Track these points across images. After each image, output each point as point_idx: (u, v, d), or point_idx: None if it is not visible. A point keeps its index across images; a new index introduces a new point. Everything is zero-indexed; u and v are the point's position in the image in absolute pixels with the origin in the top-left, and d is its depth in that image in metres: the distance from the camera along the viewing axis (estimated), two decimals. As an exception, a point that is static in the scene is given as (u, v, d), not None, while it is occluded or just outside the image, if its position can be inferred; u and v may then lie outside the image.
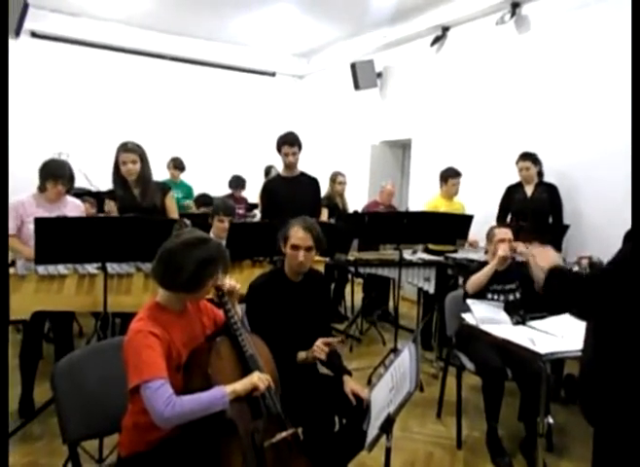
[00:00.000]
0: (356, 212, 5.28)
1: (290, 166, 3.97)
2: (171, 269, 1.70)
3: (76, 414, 1.75)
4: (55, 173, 3.10)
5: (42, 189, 3.13)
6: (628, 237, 1.49)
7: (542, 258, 1.67)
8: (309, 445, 1.92)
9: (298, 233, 2.31)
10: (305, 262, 2.32)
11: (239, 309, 1.99)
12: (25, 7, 5.63)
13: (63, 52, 7.09)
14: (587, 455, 2.87)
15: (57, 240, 2.71)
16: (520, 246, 3.11)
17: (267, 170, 6.47)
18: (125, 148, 3.34)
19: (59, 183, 3.11)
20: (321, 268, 3.55)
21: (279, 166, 4.45)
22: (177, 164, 6.11)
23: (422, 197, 5.45)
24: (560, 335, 2.37)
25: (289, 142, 3.89)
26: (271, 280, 2.40)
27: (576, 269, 3.52)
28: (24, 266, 2.94)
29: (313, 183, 4.09)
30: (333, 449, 2.15)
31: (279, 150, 3.94)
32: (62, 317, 3.19)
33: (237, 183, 6.35)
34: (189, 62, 7.96)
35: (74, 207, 3.30)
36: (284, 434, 1.74)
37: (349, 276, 5.39)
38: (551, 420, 2.30)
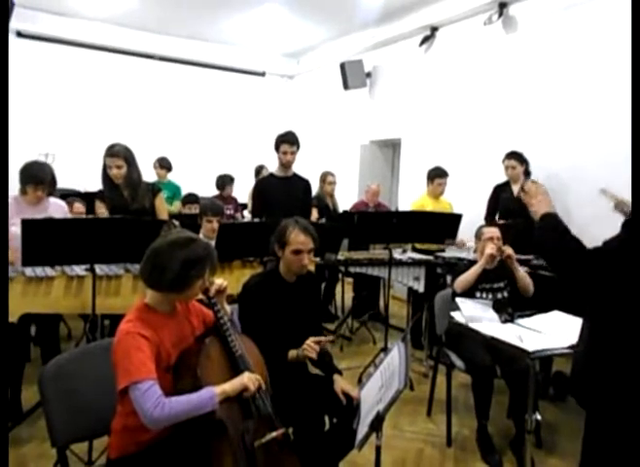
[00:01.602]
0: (346, 212, 5.29)
1: (286, 165, 3.98)
2: (157, 268, 1.69)
3: (64, 417, 1.74)
4: (36, 178, 3.02)
5: (23, 191, 3.08)
6: (626, 225, 1.51)
7: (538, 203, 1.67)
8: (300, 444, 1.92)
9: (299, 238, 2.28)
10: (310, 264, 2.34)
11: (228, 308, 1.98)
12: (11, 6, 5.57)
13: (50, 51, 7.03)
14: (575, 452, 2.90)
15: (45, 242, 2.68)
16: (508, 250, 3.13)
17: (258, 170, 6.45)
18: (111, 152, 3.30)
19: (40, 188, 3.04)
20: (312, 267, 3.56)
21: (270, 167, 4.45)
22: (163, 164, 6.07)
23: (412, 196, 5.46)
24: (548, 332, 2.39)
25: (289, 141, 3.92)
26: (266, 281, 2.39)
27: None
28: (11, 267, 2.91)
29: (305, 184, 4.12)
30: (323, 449, 2.15)
31: (277, 148, 3.95)
32: (48, 320, 3.16)
33: (224, 182, 6.32)
34: (178, 62, 7.93)
35: (57, 208, 3.24)
36: (274, 434, 1.74)
37: (339, 276, 5.40)
38: (539, 417, 2.32)
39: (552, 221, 1.63)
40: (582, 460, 1.64)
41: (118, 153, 3.29)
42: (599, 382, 1.51)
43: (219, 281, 1.89)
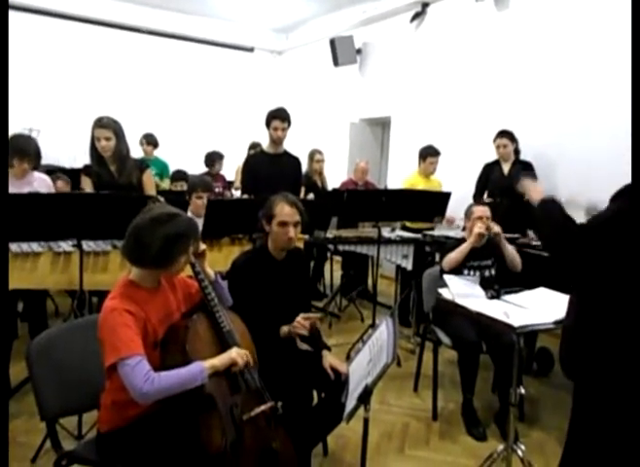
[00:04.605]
0: (335, 190, 5.27)
1: (277, 142, 3.95)
2: (139, 245, 1.68)
3: (53, 391, 1.74)
4: (22, 150, 3.01)
5: (9, 164, 3.04)
6: (615, 199, 1.54)
7: (535, 192, 1.81)
8: (288, 418, 1.95)
9: (284, 210, 2.28)
10: (295, 237, 2.32)
11: (211, 272, 1.97)
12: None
13: (33, 23, 6.83)
14: (557, 425, 2.98)
15: (30, 217, 2.65)
16: (496, 227, 3.15)
17: (253, 147, 6.34)
18: (100, 124, 3.24)
19: (25, 160, 3.02)
20: (300, 245, 3.56)
21: (264, 144, 4.40)
22: (150, 140, 5.97)
23: (401, 174, 5.45)
24: (534, 308, 2.42)
25: (280, 117, 3.87)
26: (255, 258, 2.38)
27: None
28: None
29: (295, 162, 4.09)
30: (312, 423, 2.18)
31: (268, 124, 3.91)
32: (35, 296, 3.13)
33: (213, 160, 6.24)
34: (165, 36, 7.76)
35: (42, 183, 3.21)
36: (262, 407, 1.76)
37: (328, 254, 5.41)
38: (522, 391, 2.37)
39: (552, 203, 1.70)
40: (569, 431, 1.69)
41: (107, 124, 3.24)
42: (586, 355, 1.56)
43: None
